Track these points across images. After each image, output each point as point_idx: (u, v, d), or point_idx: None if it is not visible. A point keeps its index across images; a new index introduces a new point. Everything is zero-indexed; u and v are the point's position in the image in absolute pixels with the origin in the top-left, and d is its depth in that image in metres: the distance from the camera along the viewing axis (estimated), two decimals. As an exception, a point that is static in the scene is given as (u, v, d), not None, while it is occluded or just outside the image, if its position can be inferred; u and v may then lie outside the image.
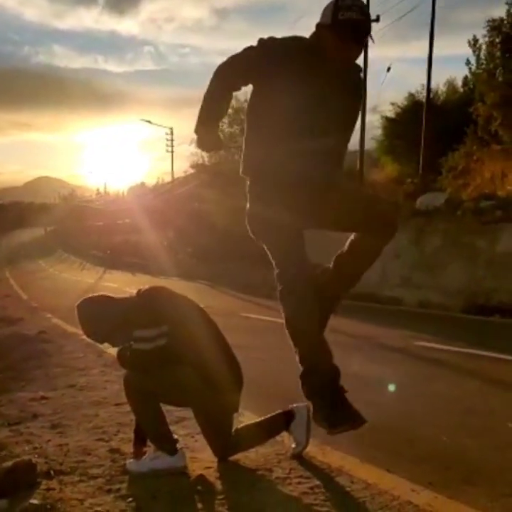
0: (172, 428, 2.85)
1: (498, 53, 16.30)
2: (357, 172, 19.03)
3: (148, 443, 2.79)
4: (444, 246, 10.69)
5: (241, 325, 8.41)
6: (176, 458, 2.67)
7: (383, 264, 9.91)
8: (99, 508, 2.31)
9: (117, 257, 36.81)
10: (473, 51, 17.65)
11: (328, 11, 2.38)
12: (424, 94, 19.17)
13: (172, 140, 38.94)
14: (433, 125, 18.14)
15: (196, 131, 2.58)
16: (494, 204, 11.12)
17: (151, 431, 2.74)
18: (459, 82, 24.47)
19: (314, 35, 2.47)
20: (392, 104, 24.59)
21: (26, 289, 19.24)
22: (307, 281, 2.56)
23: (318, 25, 2.44)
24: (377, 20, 18.11)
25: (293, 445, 2.80)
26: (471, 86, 20.99)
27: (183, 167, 38.74)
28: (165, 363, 2.61)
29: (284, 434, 2.87)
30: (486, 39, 16.72)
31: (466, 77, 23.15)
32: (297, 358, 2.57)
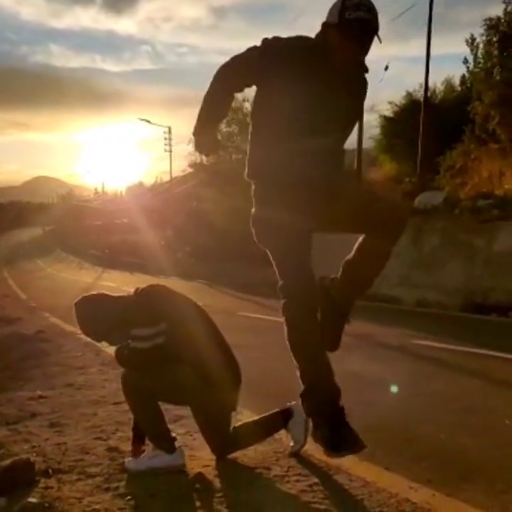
0: (170, 426, 2.85)
1: (496, 52, 16.30)
2: (355, 171, 19.03)
3: (147, 441, 2.79)
4: (442, 245, 10.69)
5: (240, 324, 8.40)
6: (174, 456, 2.68)
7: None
8: (97, 507, 2.31)
9: (115, 256, 36.80)
10: (471, 50, 17.70)
11: (335, 9, 2.33)
12: (422, 92, 19.16)
13: (170, 139, 38.92)
14: (431, 124, 18.13)
15: (195, 132, 2.55)
16: (492, 203, 11.13)
17: (150, 429, 2.74)
18: (457, 81, 24.49)
19: (320, 34, 2.44)
20: (390, 103, 24.61)
21: (25, 289, 19.22)
22: (313, 296, 2.49)
23: (324, 24, 2.40)
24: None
25: (291, 443, 2.81)
26: (469, 85, 20.99)
27: (181, 166, 38.66)
28: (163, 362, 2.61)
29: (282, 432, 2.87)
30: (484, 38, 16.75)
31: (463, 76, 23.18)
32: (298, 374, 2.53)
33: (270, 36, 2.46)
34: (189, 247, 27.72)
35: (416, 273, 10.85)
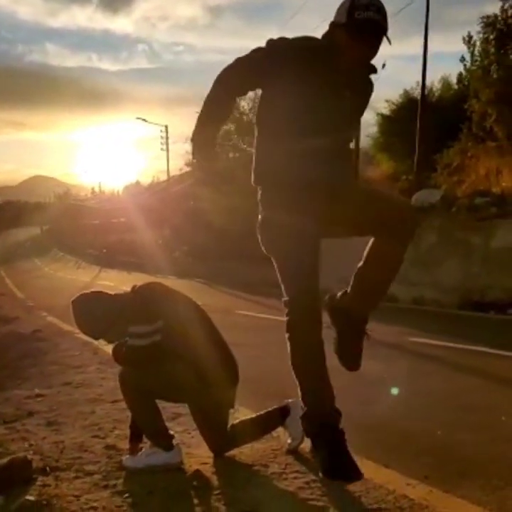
0: (168, 424, 2.85)
1: (493, 50, 16.31)
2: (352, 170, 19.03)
3: (144, 439, 2.79)
4: (440, 243, 10.71)
5: (239, 323, 8.41)
6: (171, 454, 2.67)
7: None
8: (95, 504, 2.31)
9: (113, 255, 36.80)
10: (468, 48, 17.66)
11: (344, 9, 2.28)
12: (419, 91, 19.18)
13: (167, 138, 38.87)
14: (428, 122, 18.16)
15: (194, 133, 2.47)
16: (489, 201, 11.15)
17: (147, 427, 2.74)
18: (454, 79, 24.51)
19: (327, 34, 2.39)
20: (387, 101, 24.62)
21: (22, 288, 19.22)
22: (319, 317, 2.39)
23: (332, 24, 2.36)
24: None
25: (289, 440, 2.81)
26: (466, 83, 20.99)
27: (178, 165, 38.59)
28: (161, 359, 2.61)
29: (280, 429, 2.88)
30: (481, 36, 16.74)
31: (460, 74, 23.17)
32: (299, 393, 2.49)
33: (276, 37, 2.42)
34: (187, 246, 27.71)
35: (413, 271, 10.85)
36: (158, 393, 2.71)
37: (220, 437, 2.76)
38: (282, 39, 2.40)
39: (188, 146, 28.96)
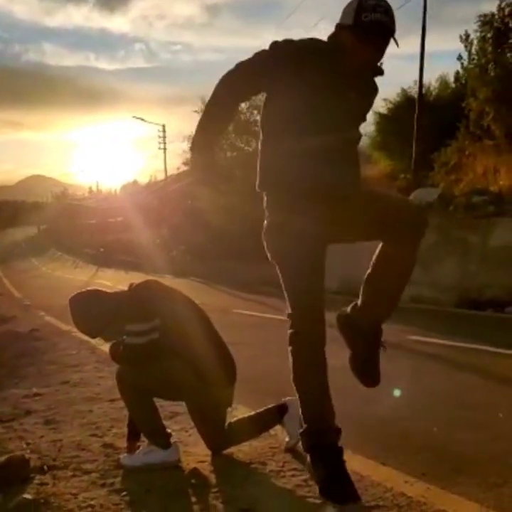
0: (165, 423, 2.85)
1: (490, 48, 16.30)
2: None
3: (142, 438, 2.79)
4: (437, 241, 10.70)
5: (236, 322, 8.40)
6: (169, 452, 2.68)
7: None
8: (92, 502, 2.31)
9: (110, 255, 36.78)
10: (465, 46, 17.63)
11: (351, 10, 2.23)
12: (417, 89, 19.17)
13: (164, 137, 38.86)
14: (425, 121, 18.16)
15: (194, 140, 2.40)
16: (486, 199, 11.14)
17: (145, 425, 2.74)
18: (451, 78, 24.48)
19: (333, 35, 2.35)
20: (385, 100, 24.56)
21: (19, 288, 19.20)
22: (323, 332, 2.33)
23: (338, 26, 2.32)
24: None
25: (286, 438, 2.81)
26: (463, 81, 20.98)
27: (175, 164, 38.52)
28: (158, 358, 2.61)
29: (278, 427, 2.88)
30: (478, 34, 16.73)
31: (458, 73, 23.14)
32: (300, 409, 2.43)
33: (280, 39, 2.38)
34: (184, 246, 27.67)
35: (411, 269, 10.86)
36: (156, 391, 2.71)
37: (218, 435, 2.77)
38: (287, 41, 2.36)
39: (185, 145, 28.96)
